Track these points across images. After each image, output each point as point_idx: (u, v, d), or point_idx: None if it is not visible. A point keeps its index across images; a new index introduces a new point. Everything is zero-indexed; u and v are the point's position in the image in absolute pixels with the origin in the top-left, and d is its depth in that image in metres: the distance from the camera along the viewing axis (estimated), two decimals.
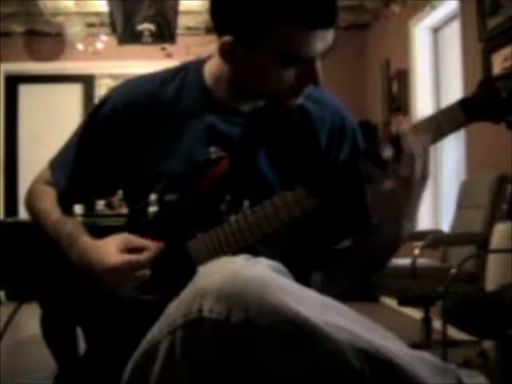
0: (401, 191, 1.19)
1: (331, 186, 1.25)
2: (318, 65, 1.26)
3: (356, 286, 1.44)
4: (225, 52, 1.27)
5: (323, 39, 1.22)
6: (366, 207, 1.40)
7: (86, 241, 1.34)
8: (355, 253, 1.39)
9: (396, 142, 1.18)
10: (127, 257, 1.28)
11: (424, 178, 1.19)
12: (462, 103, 1.23)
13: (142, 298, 1.29)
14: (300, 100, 1.33)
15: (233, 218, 1.30)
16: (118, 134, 1.39)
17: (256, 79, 1.29)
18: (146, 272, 1.28)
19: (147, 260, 1.28)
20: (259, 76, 1.28)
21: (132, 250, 1.30)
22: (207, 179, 1.33)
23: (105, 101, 1.43)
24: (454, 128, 1.23)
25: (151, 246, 1.30)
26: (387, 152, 1.18)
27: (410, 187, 1.19)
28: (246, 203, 1.34)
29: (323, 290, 1.17)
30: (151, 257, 1.29)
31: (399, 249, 1.32)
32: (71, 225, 1.40)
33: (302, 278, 1.15)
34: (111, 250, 1.29)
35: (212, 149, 1.35)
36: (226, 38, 1.25)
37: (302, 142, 1.38)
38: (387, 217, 1.25)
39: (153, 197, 1.36)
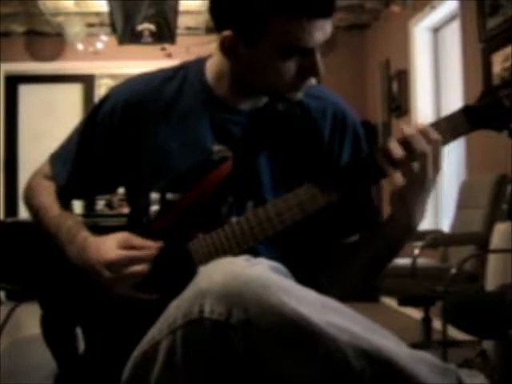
0: (414, 186, 1.20)
1: (336, 183, 1.25)
2: (318, 57, 1.26)
3: (363, 282, 1.44)
4: (225, 47, 1.27)
5: (322, 29, 1.22)
6: (373, 204, 1.40)
7: (86, 236, 1.34)
8: (364, 247, 1.39)
9: (406, 144, 1.19)
10: (125, 252, 1.28)
11: (436, 170, 1.20)
12: (465, 111, 1.23)
13: (139, 297, 1.28)
14: (300, 94, 1.33)
15: (234, 219, 1.30)
16: (119, 132, 1.39)
17: (257, 73, 1.29)
18: (144, 267, 1.28)
19: (146, 256, 1.28)
20: (260, 69, 1.27)
21: (132, 248, 1.30)
22: (209, 180, 1.33)
23: (106, 99, 1.43)
24: (457, 135, 1.23)
25: (151, 246, 1.30)
26: (399, 152, 1.19)
27: (424, 183, 1.20)
28: (250, 205, 1.34)
29: (328, 289, 1.17)
30: (150, 255, 1.29)
31: (409, 240, 1.32)
32: (72, 220, 1.40)
33: (304, 278, 1.15)
34: (110, 245, 1.29)
35: (214, 148, 1.35)
36: (226, 33, 1.25)
37: (305, 140, 1.38)
38: (400, 209, 1.25)
39: (154, 195, 1.36)
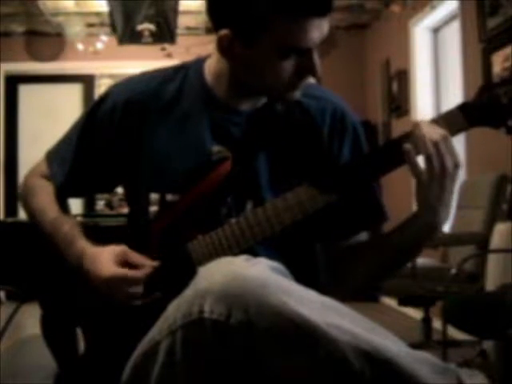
0: (435, 182, 1.21)
1: (336, 183, 1.25)
2: (316, 56, 1.26)
3: (375, 282, 1.43)
4: (222, 46, 1.27)
5: (319, 28, 1.22)
6: (377, 199, 1.40)
7: (83, 245, 1.34)
8: (381, 244, 1.38)
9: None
10: (122, 271, 1.27)
11: (456, 166, 1.21)
12: (462, 108, 1.23)
13: (137, 304, 1.28)
14: (298, 94, 1.32)
15: (234, 219, 1.30)
16: (119, 131, 1.39)
17: (254, 72, 1.29)
18: (139, 289, 1.27)
19: (141, 277, 1.27)
20: (257, 69, 1.27)
21: (128, 264, 1.29)
22: (209, 180, 1.33)
23: (105, 97, 1.42)
24: (454, 133, 1.23)
25: (147, 264, 1.29)
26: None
27: (444, 178, 1.20)
28: (249, 205, 1.33)
29: (329, 289, 1.17)
30: (146, 275, 1.28)
31: (434, 237, 1.32)
32: (67, 225, 1.39)
33: (304, 278, 1.15)
34: (107, 261, 1.28)
35: (213, 148, 1.35)
36: (223, 32, 1.25)
37: (304, 140, 1.38)
38: (424, 206, 1.25)
39: (153, 196, 1.36)
